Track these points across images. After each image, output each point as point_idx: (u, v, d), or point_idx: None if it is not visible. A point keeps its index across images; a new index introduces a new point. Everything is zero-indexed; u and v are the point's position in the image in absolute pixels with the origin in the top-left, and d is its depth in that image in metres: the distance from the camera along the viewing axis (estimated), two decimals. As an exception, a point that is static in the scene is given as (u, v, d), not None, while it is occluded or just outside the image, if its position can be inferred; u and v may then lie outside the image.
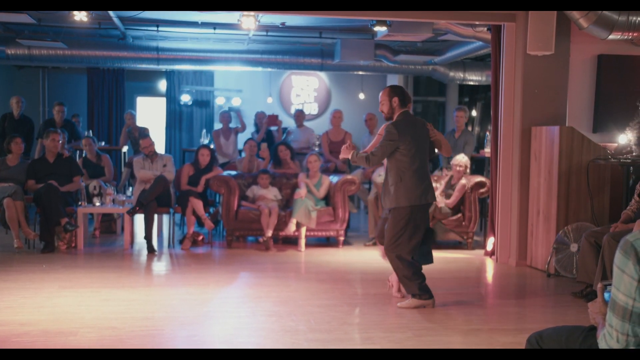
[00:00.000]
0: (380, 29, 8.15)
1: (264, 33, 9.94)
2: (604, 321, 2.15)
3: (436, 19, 7.55)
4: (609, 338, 2.08)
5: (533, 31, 6.55)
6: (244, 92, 12.95)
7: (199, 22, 9.42)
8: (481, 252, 7.73)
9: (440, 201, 7.85)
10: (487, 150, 8.92)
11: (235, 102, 12.77)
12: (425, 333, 4.59)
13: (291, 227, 7.73)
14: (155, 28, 9.88)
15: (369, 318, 4.97)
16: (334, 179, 8.15)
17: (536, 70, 6.95)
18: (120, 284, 5.90)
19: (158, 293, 5.68)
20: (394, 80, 12.61)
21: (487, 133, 9.84)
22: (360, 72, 11.76)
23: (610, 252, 5.08)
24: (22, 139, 7.98)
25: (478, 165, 9.97)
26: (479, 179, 7.93)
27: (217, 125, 11.35)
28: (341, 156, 5.36)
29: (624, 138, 6.51)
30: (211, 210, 8.30)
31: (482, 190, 7.87)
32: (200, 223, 8.02)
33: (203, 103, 12.98)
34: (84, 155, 9.05)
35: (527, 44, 6.65)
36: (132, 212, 7.52)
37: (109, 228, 8.70)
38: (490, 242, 7.46)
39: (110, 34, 10.38)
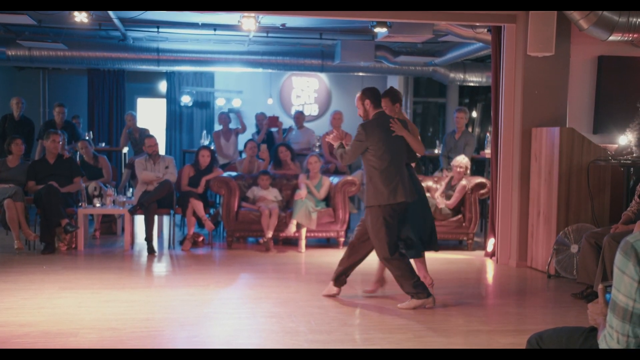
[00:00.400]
0: (381, 30, 8.16)
1: (265, 34, 9.95)
2: (605, 322, 2.15)
3: (436, 20, 7.55)
4: (609, 339, 2.08)
5: (533, 32, 6.54)
6: (244, 93, 12.95)
7: (200, 24, 9.42)
8: (481, 253, 7.73)
9: (441, 202, 7.86)
10: (488, 151, 8.93)
11: (236, 103, 12.76)
12: (425, 334, 4.59)
13: (291, 228, 7.72)
14: (155, 29, 9.89)
15: (369, 319, 4.98)
16: (335, 180, 8.15)
17: (536, 72, 6.95)
18: (121, 285, 5.90)
19: (158, 294, 5.68)
20: (394, 81, 12.62)
21: (488, 134, 9.85)
22: (361, 74, 11.77)
23: (611, 253, 5.07)
24: (22, 140, 7.98)
25: (478, 166, 9.97)
26: (479, 180, 7.93)
27: (218, 127, 11.35)
28: (328, 139, 5.51)
29: (624, 139, 6.50)
30: (211, 211, 8.30)
31: (482, 191, 7.87)
32: (200, 224, 8.03)
33: (203, 104, 12.99)
34: (79, 157, 9.00)
35: (527, 45, 6.65)
36: (133, 211, 7.54)
37: (109, 229, 8.70)
38: (490, 243, 7.46)
39: (111, 35, 10.39)
